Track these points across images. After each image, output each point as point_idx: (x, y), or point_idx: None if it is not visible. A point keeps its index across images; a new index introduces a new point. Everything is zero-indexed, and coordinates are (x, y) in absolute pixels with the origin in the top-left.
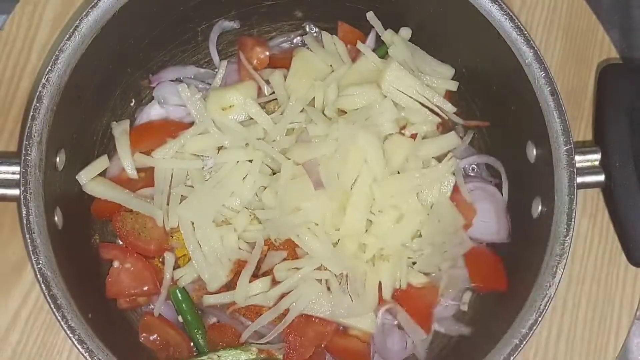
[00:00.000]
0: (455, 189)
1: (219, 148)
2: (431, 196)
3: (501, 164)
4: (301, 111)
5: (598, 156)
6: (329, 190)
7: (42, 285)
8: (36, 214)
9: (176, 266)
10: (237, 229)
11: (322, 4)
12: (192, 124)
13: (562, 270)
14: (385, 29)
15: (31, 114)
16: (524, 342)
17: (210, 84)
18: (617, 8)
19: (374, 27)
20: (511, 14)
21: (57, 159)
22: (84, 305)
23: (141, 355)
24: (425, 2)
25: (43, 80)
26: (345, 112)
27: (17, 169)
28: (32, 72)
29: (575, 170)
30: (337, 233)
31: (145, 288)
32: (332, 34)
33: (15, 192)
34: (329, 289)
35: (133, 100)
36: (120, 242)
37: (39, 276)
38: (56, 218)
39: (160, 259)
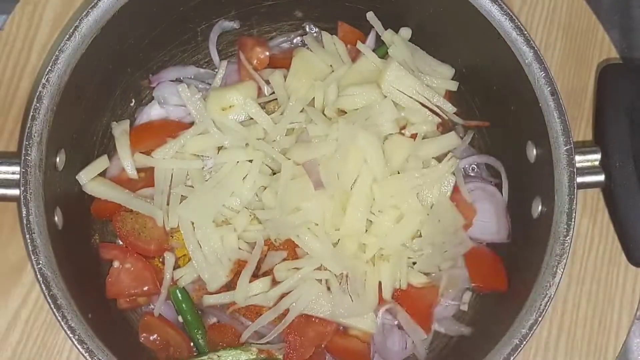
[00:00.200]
0: (455, 189)
1: (219, 148)
2: (431, 196)
3: (501, 164)
4: (301, 111)
5: (598, 156)
6: (329, 190)
7: (42, 285)
8: (36, 214)
9: (176, 266)
10: (237, 229)
11: (322, 4)
12: (192, 124)
13: (562, 270)
14: (385, 29)
15: (31, 114)
16: (524, 342)
17: (210, 84)
18: (617, 8)
19: (374, 27)
20: (511, 14)
21: (57, 159)
22: (84, 305)
23: (141, 355)
24: (425, 2)
25: (43, 80)
26: (345, 112)
27: (17, 169)
28: (32, 72)
29: (575, 170)
30: (337, 233)
31: (145, 288)
32: (332, 34)
33: (15, 192)
34: (329, 289)
35: (133, 100)
36: (120, 242)
37: (39, 276)
38: (56, 218)
39: (160, 259)
